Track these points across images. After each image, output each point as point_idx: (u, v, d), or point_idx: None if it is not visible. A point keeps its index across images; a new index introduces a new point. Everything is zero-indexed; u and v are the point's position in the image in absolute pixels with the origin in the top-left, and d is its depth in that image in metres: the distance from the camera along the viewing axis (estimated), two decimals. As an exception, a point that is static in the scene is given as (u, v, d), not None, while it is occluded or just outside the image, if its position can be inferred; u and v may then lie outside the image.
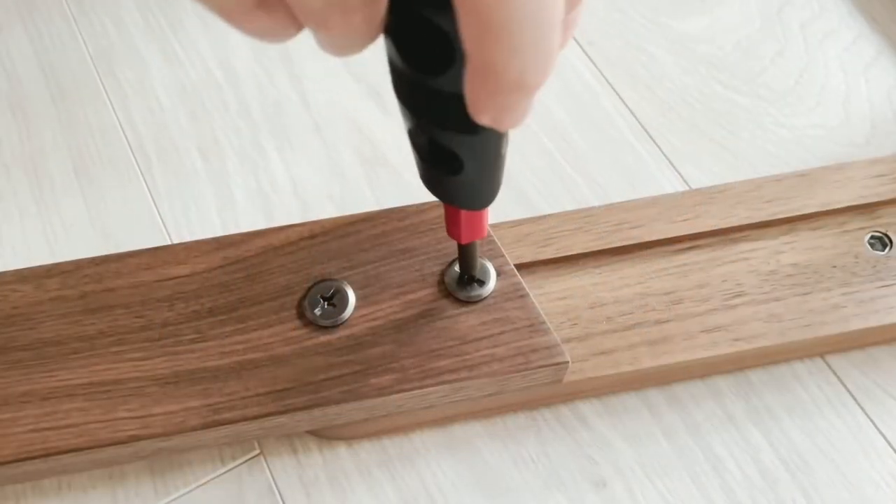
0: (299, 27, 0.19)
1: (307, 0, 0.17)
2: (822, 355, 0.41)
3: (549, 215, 0.41)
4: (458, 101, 0.20)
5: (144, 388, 0.34)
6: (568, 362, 0.35)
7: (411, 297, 0.36)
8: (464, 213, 0.29)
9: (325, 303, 0.36)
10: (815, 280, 0.39)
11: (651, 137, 0.49)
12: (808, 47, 0.52)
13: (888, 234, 0.40)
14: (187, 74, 0.51)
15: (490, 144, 0.24)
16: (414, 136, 0.24)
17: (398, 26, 0.19)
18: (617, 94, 0.50)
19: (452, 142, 0.23)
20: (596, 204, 0.43)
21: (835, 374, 0.41)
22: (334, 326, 0.35)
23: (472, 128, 0.22)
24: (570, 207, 0.44)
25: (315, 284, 0.36)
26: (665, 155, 0.48)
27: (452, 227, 0.30)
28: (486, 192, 0.27)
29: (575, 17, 0.20)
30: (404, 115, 0.23)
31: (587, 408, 0.40)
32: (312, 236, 0.38)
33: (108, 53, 0.52)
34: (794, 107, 0.49)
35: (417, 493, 0.38)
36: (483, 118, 0.19)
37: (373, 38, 0.19)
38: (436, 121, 0.22)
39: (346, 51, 0.20)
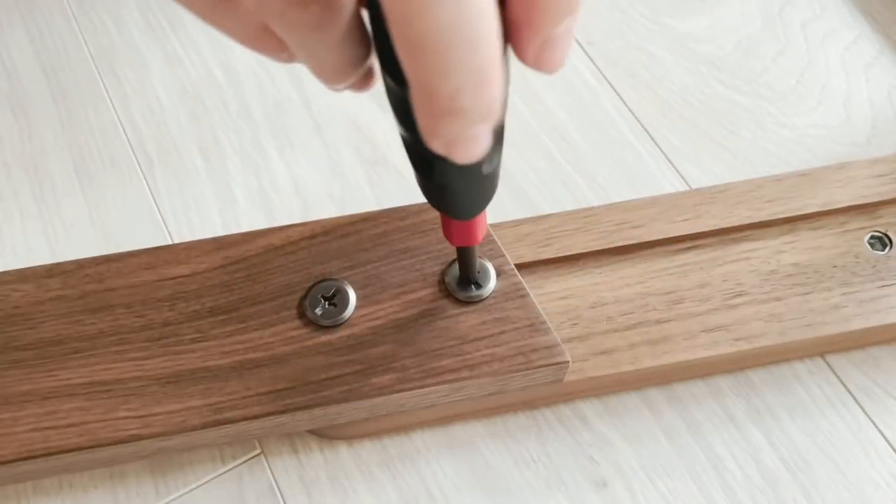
0: (259, 24, 0.19)
1: None
2: (822, 355, 0.41)
3: (550, 215, 0.41)
4: None
5: (145, 388, 0.34)
6: (568, 362, 0.35)
7: (412, 296, 0.36)
8: (455, 221, 0.29)
9: (326, 302, 0.36)
10: (816, 280, 0.39)
11: (651, 137, 0.49)
12: (809, 47, 0.52)
13: (888, 233, 0.40)
14: (188, 74, 0.51)
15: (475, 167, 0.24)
16: (407, 147, 0.25)
17: (380, 41, 0.19)
18: (617, 93, 0.50)
19: (434, 155, 0.23)
20: (596, 204, 0.43)
21: (835, 373, 0.41)
22: (335, 326, 0.35)
23: None
24: (570, 207, 0.44)
25: (316, 284, 0.36)
26: (665, 155, 0.48)
27: (445, 230, 0.31)
28: (471, 204, 0.27)
29: (565, 32, 0.19)
30: (398, 127, 0.23)
31: (588, 407, 0.40)
32: (313, 236, 0.38)
33: (109, 53, 0.53)
34: (794, 106, 0.49)
35: (418, 492, 0.38)
36: (434, 145, 0.19)
37: (346, 52, 0.19)
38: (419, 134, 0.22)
39: (330, 71, 0.19)
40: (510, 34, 0.18)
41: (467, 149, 0.18)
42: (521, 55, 0.19)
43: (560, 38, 0.19)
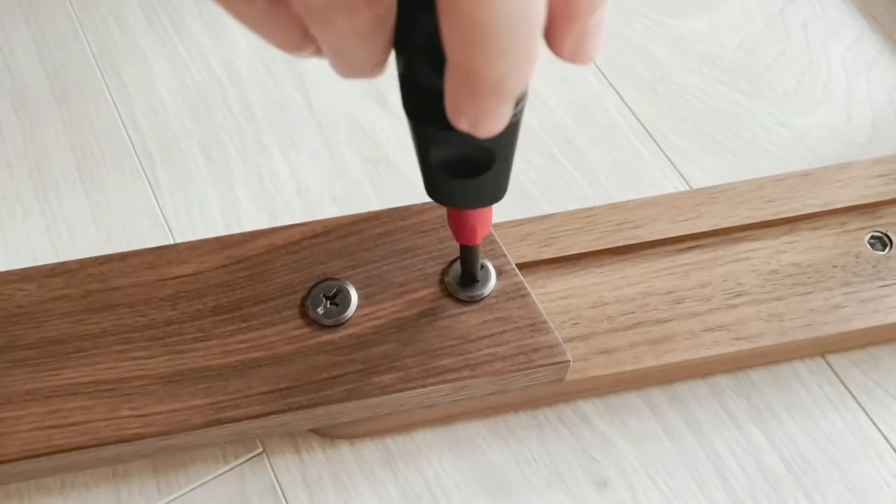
0: (302, 31, 0.19)
1: None
2: (822, 355, 0.41)
3: (551, 215, 0.41)
4: None
5: (148, 387, 0.34)
6: (569, 361, 0.35)
7: (413, 296, 0.36)
8: (477, 213, 0.30)
9: (328, 302, 0.36)
10: (817, 280, 0.39)
11: (652, 137, 0.49)
12: (810, 47, 0.52)
13: (888, 233, 0.40)
14: (190, 74, 0.51)
15: (518, 129, 0.24)
16: (439, 151, 0.24)
17: (409, 26, 0.19)
18: (618, 93, 0.50)
19: (487, 139, 0.24)
20: (598, 203, 0.43)
21: (836, 373, 0.41)
22: (337, 325, 0.35)
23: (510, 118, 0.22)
24: (571, 207, 0.44)
25: (318, 284, 0.36)
26: (666, 155, 0.48)
27: (466, 230, 0.30)
28: (507, 181, 0.27)
29: (600, 21, 0.19)
30: (429, 136, 0.23)
31: (589, 407, 0.40)
32: (315, 235, 0.38)
33: (112, 53, 0.53)
34: (795, 106, 0.49)
35: (420, 491, 0.38)
36: (461, 123, 0.19)
37: (380, 49, 0.19)
38: None
39: (357, 68, 0.20)
40: (548, 28, 0.19)
41: (494, 122, 0.19)
42: (557, 48, 0.19)
43: (596, 28, 0.19)
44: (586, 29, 0.19)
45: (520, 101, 0.22)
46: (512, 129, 0.24)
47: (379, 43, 0.19)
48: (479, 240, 0.31)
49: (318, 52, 0.20)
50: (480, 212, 0.30)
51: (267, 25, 0.19)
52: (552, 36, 0.19)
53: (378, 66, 0.20)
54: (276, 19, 0.19)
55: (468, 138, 0.23)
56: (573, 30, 0.19)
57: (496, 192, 0.28)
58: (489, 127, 0.19)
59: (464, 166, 0.25)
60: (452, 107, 0.19)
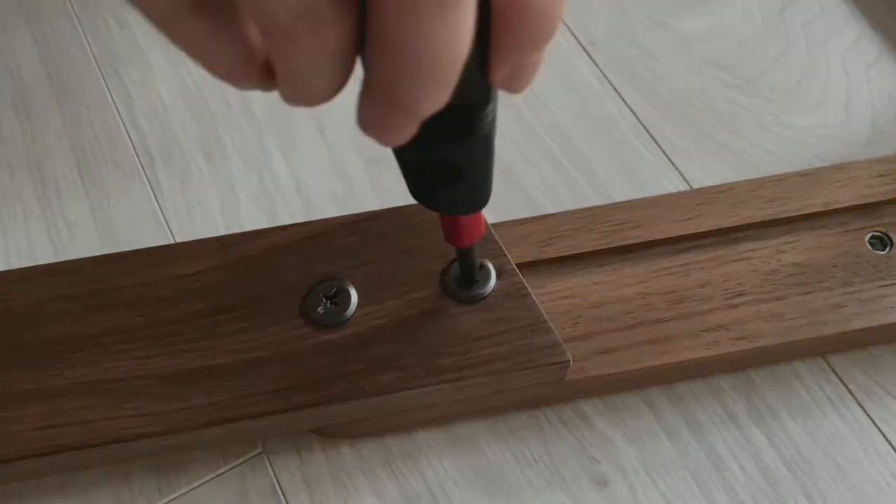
0: (248, 55, 0.18)
1: (273, 10, 0.16)
2: (823, 355, 0.41)
3: (551, 215, 0.41)
4: (453, 111, 0.20)
5: (148, 387, 0.34)
6: (569, 361, 0.35)
7: (414, 296, 0.36)
8: (463, 219, 0.29)
9: (328, 302, 0.36)
10: (817, 279, 0.39)
11: (653, 137, 0.49)
12: (810, 47, 0.52)
13: (889, 233, 0.40)
14: (191, 74, 0.52)
15: (486, 146, 0.24)
16: (408, 153, 0.24)
17: None
18: (619, 93, 0.50)
19: (451, 151, 0.23)
20: (598, 203, 0.43)
21: (836, 373, 0.41)
22: (337, 325, 0.35)
23: (470, 134, 0.22)
24: (572, 207, 0.44)
25: (318, 283, 0.36)
26: (666, 155, 0.48)
27: (452, 234, 0.30)
28: (484, 192, 0.27)
29: (538, 59, 0.19)
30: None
31: (589, 407, 0.40)
32: (315, 235, 0.38)
33: (112, 54, 0.53)
34: (795, 107, 0.49)
35: (420, 491, 0.38)
36: (367, 131, 0.20)
37: (343, 72, 0.18)
38: (432, 134, 0.22)
39: (313, 93, 0.19)
40: (487, 56, 0.19)
41: (398, 137, 0.20)
42: (491, 75, 0.20)
43: (533, 64, 0.20)
44: (523, 65, 0.19)
45: (489, 114, 0.22)
46: (482, 143, 0.23)
47: (343, 64, 0.18)
48: (467, 243, 0.31)
49: (264, 81, 0.19)
50: (465, 217, 0.30)
51: (210, 49, 0.18)
52: (489, 63, 0.19)
53: (337, 91, 0.20)
54: (220, 42, 0.18)
55: (431, 150, 0.23)
56: (510, 63, 0.19)
57: (474, 201, 0.28)
58: (392, 139, 0.20)
59: (434, 174, 0.25)
60: (362, 116, 0.19)
